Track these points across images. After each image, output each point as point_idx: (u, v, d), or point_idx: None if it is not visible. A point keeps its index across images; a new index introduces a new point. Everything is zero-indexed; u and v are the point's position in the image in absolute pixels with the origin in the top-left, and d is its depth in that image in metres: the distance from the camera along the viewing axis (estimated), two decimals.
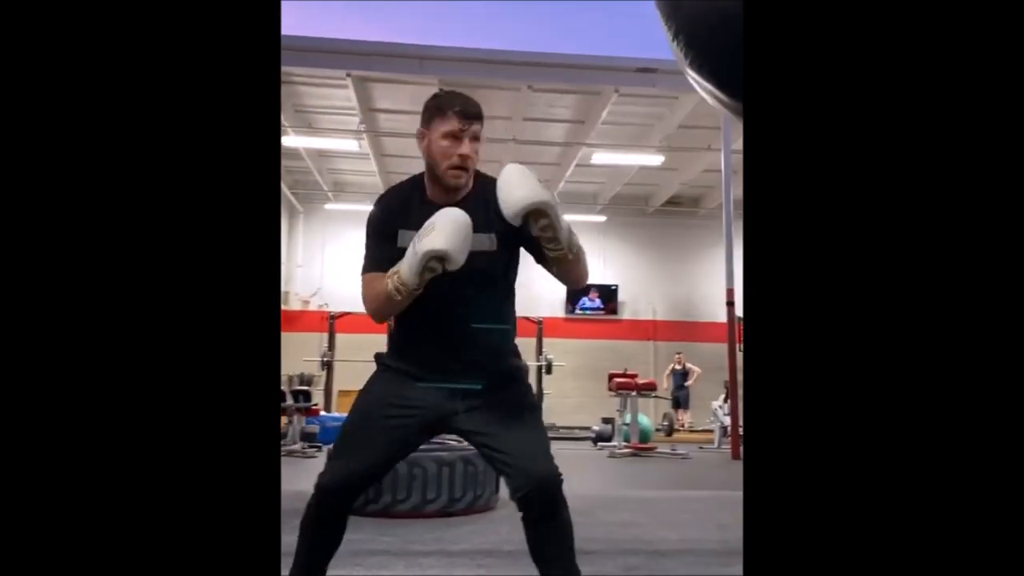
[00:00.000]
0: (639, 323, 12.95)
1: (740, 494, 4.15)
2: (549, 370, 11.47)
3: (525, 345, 8.66)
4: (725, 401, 8.89)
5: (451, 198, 1.52)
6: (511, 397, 1.54)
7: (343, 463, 1.50)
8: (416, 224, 1.44)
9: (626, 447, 7.38)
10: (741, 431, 8.01)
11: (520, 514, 1.45)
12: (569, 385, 12.33)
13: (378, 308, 1.49)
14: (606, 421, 9.20)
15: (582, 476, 5.96)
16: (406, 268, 1.40)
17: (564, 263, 1.49)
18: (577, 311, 12.88)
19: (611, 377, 8.09)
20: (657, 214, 13.04)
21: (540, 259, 1.54)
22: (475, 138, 1.52)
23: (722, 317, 12.09)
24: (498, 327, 1.55)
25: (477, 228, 1.45)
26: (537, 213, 1.40)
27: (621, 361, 11.76)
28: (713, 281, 12.79)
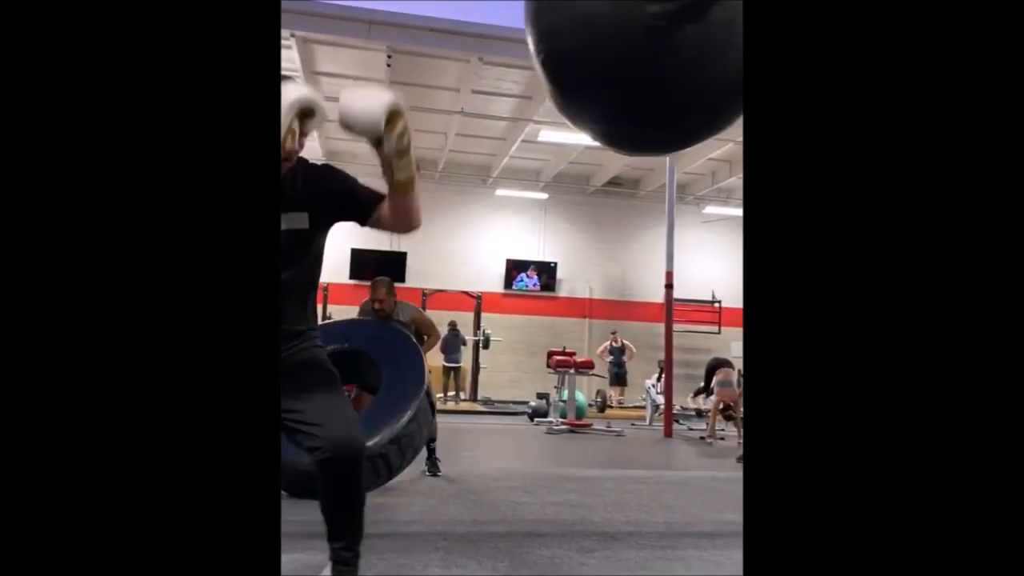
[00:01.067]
0: (575, 301, 13.11)
1: (679, 473, 4.32)
2: (487, 345, 11.52)
3: (464, 319, 8.76)
4: (658, 380, 9.14)
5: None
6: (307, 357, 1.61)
7: None
8: None
9: (563, 423, 7.51)
10: (674, 410, 8.27)
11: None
12: (505, 360, 12.42)
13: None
14: (541, 396, 9.33)
15: (524, 453, 6.04)
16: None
17: (408, 189, 1.51)
18: (515, 287, 12.93)
19: (550, 355, 8.19)
20: (598, 194, 13.15)
21: (361, 217, 1.60)
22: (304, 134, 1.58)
23: (656, 297, 12.40)
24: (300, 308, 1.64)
25: (292, 207, 1.54)
26: (396, 115, 1.41)
27: (557, 337, 11.91)
28: (648, 262, 13.05)
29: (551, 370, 8.13)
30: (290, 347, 1.58)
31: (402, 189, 1.50)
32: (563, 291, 13.09)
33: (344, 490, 1.53)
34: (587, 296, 13.13)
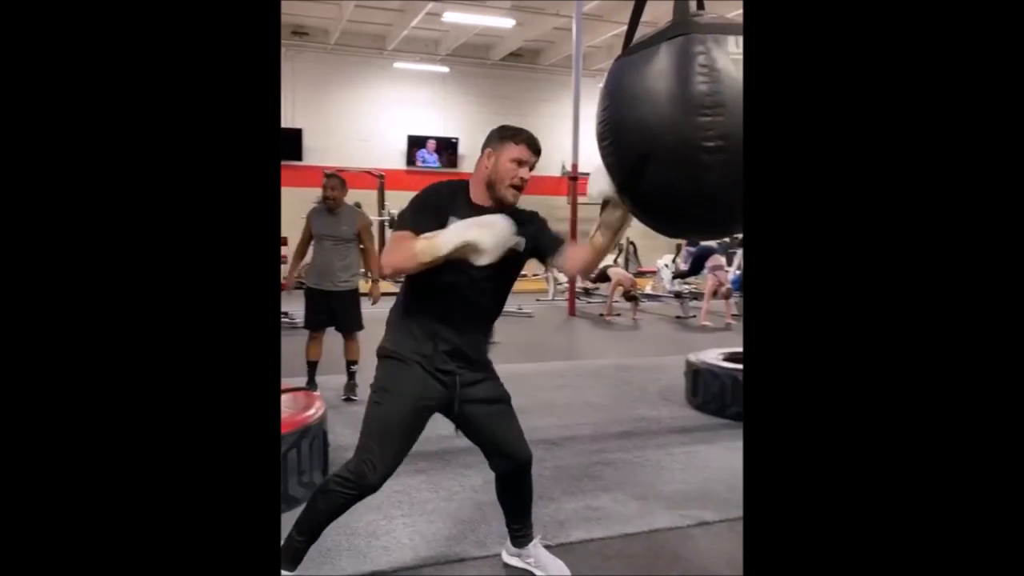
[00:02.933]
0: None
1: (593, 363, 4.99)
2: (392, 224, 11.66)
3: (367, 199, 8.85)
4: (674, 261, 9.90)
5: (494, 207, 1.83)
6: (494, 391, 1.96)
7: (388, 461, 1.79)
8: (460, 217, 1.73)
9: None
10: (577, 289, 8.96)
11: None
12: None
13: (396, 261, 1.69)
14: None
15: None
16: (443, 240, 1.61)
17: (600, 253, 1.88)
18: (418, 164, 12.92)
19: None
20: (499, 67, 13.02)
21: (542, 258, 1.95)
22: (531, 167, 1.88)
23: (555, 171, 12.87)
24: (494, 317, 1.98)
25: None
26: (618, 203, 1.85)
27: None
28: (549, 135, 13.26)
29: None
30: (480, 377, 1.93)
31: (593, 251, 1.89)
32: (466, 167, 13.21)
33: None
34: None
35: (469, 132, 13.11)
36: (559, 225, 10.03)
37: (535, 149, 1.88)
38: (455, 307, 1.83)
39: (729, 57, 1.85)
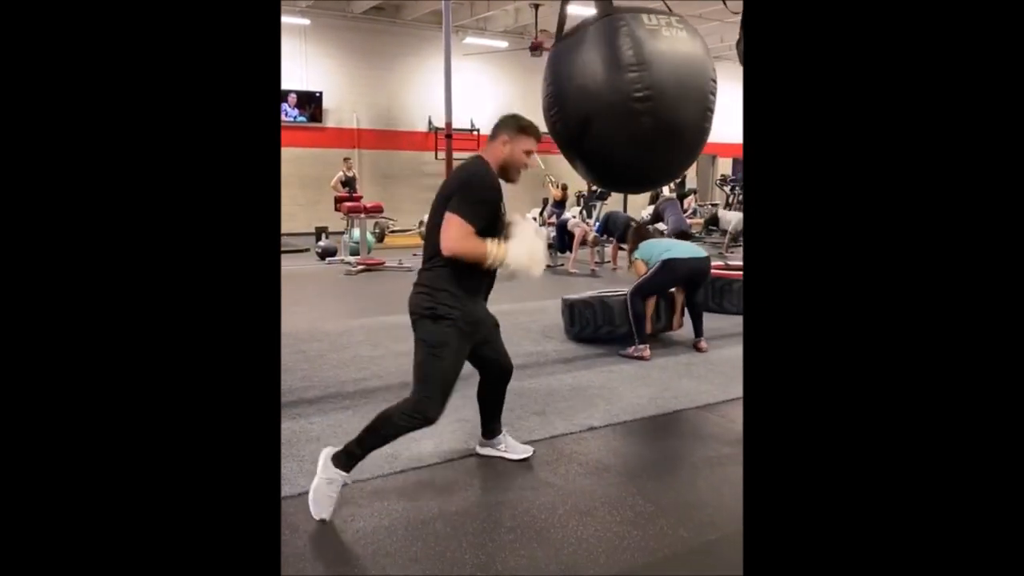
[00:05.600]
0: (344, 131, 13.24)
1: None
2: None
3: None
4: (541, 213, 10.34)
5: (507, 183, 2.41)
6: (494, 320, 2.59)
7: (441, 399, 2.30)
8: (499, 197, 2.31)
9: (359, 264, 8.29)
10: None
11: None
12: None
13: (464, 253, 2.22)
14: (320, 230, 9.84)
15: (340, 301, 6.60)
16: (503, 255, 2.24)
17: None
18: (283, 120, 12.62)
19: (339, 200, 8.66)
20: (361, 19, 12.89)
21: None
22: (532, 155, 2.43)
23: (420, 126, 13.05)
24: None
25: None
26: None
27: (327, 169, 12.11)
28: (414, 90, 13.46)
29: (341, 216, 8.65)
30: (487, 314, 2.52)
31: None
32: (330, 122, 13.08)
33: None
34: (355, 127, 13.30)
35: (334, 85, 12.93)
36: (427, 180, 10.39)
37: (540, 139, 2.41)
38: (486, 274, 2.38)
39: (645, 28, 2.63)
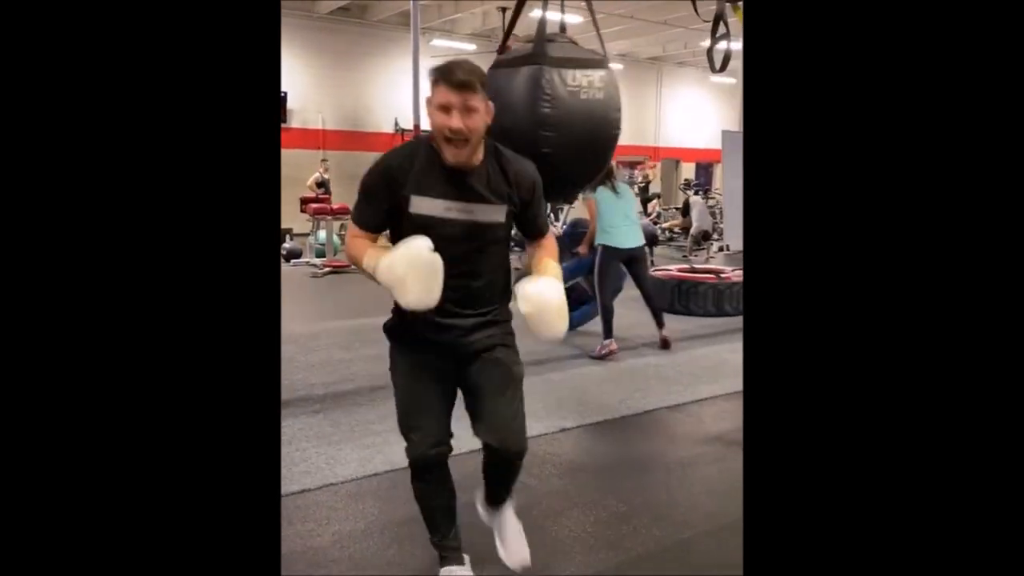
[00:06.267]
0: (309, 132, 13.10)
1: None
2: None
3: None
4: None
5: (461, 167, 1.57)
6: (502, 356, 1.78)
7: (419, 433, 1.70)
8: (433, 189, 1.55)
9: (326, 266, 8.21)
10: None
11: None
12: None
13: (353, 263, 1.61)
14: (285, 232, 9.77)
15: (310, 304, 6.55)
16: (377, 272, 1.48)
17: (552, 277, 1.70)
18: None
19: (304, 201, 8.58)
20: (326, 20, 12.78)
21: (523, 231, 1.77)
22: (469, 109, 1.51)
23: (386, 127, 12.99)
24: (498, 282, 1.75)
25: (486, 199, 1.60)
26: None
27: (293, 171, 11.87)
28: (379, 91, 13.38)
29: (308, 217, 8.56)
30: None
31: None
32: (295, 122, 12.93)
33: None
34: (320, 127, 13.17)
35: (300, 86, 12.78)
36: None
37: (457, 83, 1.50)
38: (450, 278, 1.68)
39: (568, 87, 3.00)
